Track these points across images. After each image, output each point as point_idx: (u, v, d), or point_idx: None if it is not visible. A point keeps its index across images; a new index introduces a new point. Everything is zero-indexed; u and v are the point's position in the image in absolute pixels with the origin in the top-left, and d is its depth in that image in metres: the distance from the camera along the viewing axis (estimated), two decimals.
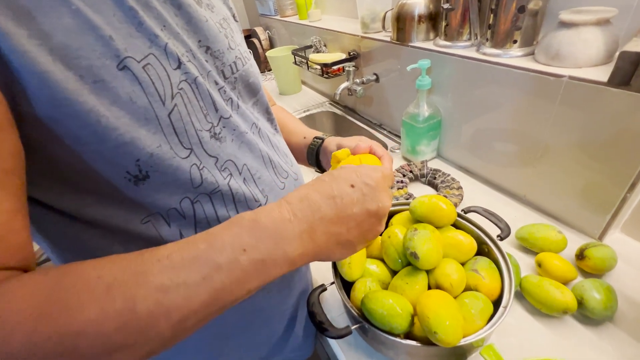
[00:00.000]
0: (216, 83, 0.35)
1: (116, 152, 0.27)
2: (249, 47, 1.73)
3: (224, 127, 0.35)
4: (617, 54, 0.44)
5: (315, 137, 0.56)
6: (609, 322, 0.48)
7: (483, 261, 0.47)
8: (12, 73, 0.22)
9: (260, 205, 0.39)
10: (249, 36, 1.74)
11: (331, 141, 0.53)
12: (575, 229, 0.62)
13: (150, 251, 0.25)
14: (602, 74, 0.49)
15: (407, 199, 0.74)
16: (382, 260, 0.52)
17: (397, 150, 0.94)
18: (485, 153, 0.75)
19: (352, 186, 0.30)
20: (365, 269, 0.50)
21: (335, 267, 0.49)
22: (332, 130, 1.30)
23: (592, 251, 0.52)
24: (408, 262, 0.47)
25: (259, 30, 1.70)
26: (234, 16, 0.44)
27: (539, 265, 0.54)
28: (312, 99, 1.39)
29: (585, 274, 0.54)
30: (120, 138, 0.26)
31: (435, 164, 0.86)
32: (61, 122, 0.24)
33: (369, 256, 0.53)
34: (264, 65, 1.74)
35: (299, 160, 0.56)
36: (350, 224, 0.29)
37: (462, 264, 0.48)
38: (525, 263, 0.57)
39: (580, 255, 0.53)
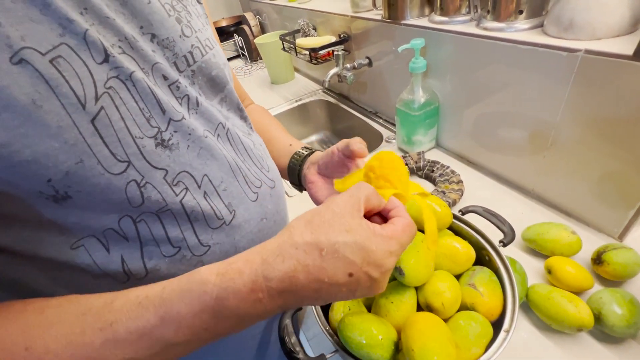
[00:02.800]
0: (165, 78, 0.29)
1: (13, 172, 0.21)
2: (238, 35, 1.65)
3: (175, 131, 0.29)
4: None
5: (304, 147, 0.47)
6: (632, 340, 0.41)
7: (482, 273, 0.40)
8: None
9: (224, 223, 0.33)
10: (239, 23, 1.66)
11: (323, 153, 0.43)
12: (592, 227, 0.54)
13: (90, 313, 0.22)
14: (627, 45, 0.41)
15: None
16: None
17: (393, 141, 0.87)
18: (489, 141, 0.67)
19: (350, 275, 0.23)
20: None
21: None
22: (325, 120, 1.23)
23: (612, 255, 0.45)
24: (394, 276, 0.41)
25: (249, 16, 1.61)
26: None
27: (549, 271, 0.47)
28: (304, 88, 1.31)
29: (604, 281, 0.47)
30: (16, 156, 0.20)
31: (433, 155, 0.78)
32: None
33: None
34: (255, 53, 1.66)
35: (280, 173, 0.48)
36: (330, 297, 0.25)
37: (459, 276, 0.42)
38: (534, 268, 0.50)
39: (598, 260, 0.46)
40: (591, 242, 0.50)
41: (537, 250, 0.52)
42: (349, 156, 0.37)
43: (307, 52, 1.00)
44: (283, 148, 0.48)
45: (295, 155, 0.46)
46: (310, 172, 0.42)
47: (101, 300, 0.23)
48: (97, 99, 0.23)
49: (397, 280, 0.40)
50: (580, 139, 0.50)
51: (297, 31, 1.16)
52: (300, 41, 1.02)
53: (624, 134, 0.45)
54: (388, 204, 0.28)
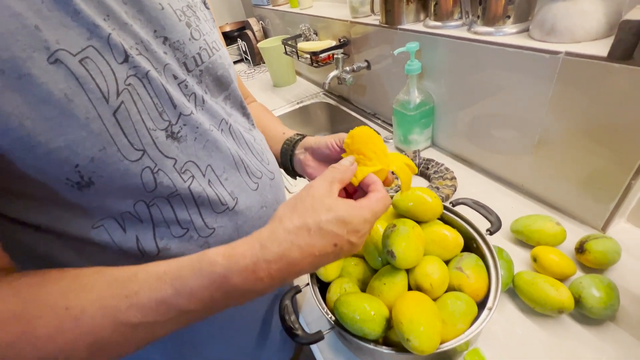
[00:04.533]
0: (175, 77, 0.32)
1: (48, 159, 0.24)
2: (242, 40, 1.69)
3: (184, 124, 0.32)
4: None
5: (297, 134, 0.51)
6: (610, 322, 0.44)
7: (469, 258, 0.43)
8: None
9: (227, 208, 0.36)
10: (243, 28, 1.70)
11: (315, 139, 0.48)
12: (577, 219, 0.57)
13: (117, 282, 0.25)
14: (603, 48, 0.44)
15: (397, 191, 0.70)
16: (363, 257, 0.49)
17: (390, 140, 0.90)
18: (481, 140, 0.70)
19: (335, 245, 0.28)
20: (343, 268, 0.47)
21: None
22: (326, 121, 1.26)
23: (593, 244, 0.48)
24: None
25: (252, 21, 1.66)
26: (204, 3, 0.41)
27: (535, 260, 0.50)
28: (306, 90, 1.35)
29: (586, 269, 0.50)
30: (51, 143, 0.24)
31: (429, 154, 0.82)
32: None
33: None
34: (258, 57, 1.70)
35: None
36: (321, 264, 0.29)
37: (448, 262, 0.45)
38: (521, 258, 0.53)
39: (580, 249, 0.49)
40: (575, 234, 0.53)
41: (524, 241, 0.55)
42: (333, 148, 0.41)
43: (308, 56, 1.04)
44: (276, 136, 0.52)
45: (287, 141, 0.50)
46: (307, 159, 0.45)
47: (126, 272, 0.26)
48: (118, 94, 0.27)
49: (389, 263, 0.43)
50: (564, 137, 0.53)
51: (299, 36, 1.20)
52: (302, 45, 1.05)
53: (604, 131, 0.48)
54: (366, 179, 0.33)
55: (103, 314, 0.24)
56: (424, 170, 0.75)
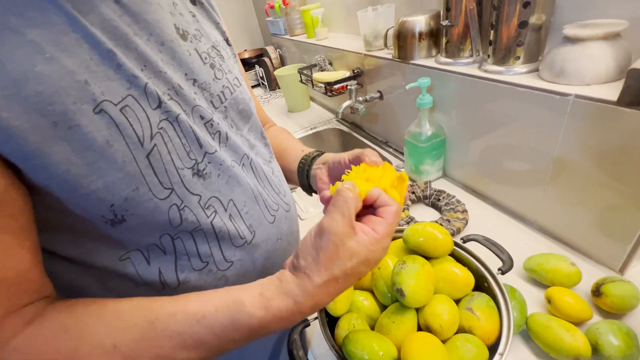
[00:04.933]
0: (202, 117, 0.35)
1: (88, 199, 0.26)
2: (260, 66, 1.77)
3: (209, 162, 0.34)
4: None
5: (316, 150, 0.51)
6: None
7: (480, 299, 0.43)
8: None
9: (245, 242, 0.38)
10: (261, 55, 1.78)
11: (334, 155, 0.47)
12: (593, 259, 0.56)
13: (159, 322, 0.27)
14: (613, 91, 0.45)
15: (409, 222, 0.70)
16: (372, 292, 0.49)
17: (402, 169, 0.91)
18: (493, 172, 0.70)
19: (359, 279, 0.30)
20: (353, 302, 0.47)
21: None
22: (338, 147, 1.29)
23: (610, 287, 0.47)
24: None
25: (270, 49, 1.74)
26: (226, 40, 0.44)
27: (549, 301, 0.49)
28: (319, 116, 1.39)
29: (603, 313, 0.48)
30: (92, 185, 0.26)
31: (441, 184, 0.82)
32: (28, 173, 0.24)
33: (359, 287, 0.51)
34: (274, 83, 1.77)
35: (292, 180, 0.52)
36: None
37: (458, 301, 0.44)
38: (535, 297, 0.52)
39: (597, 292, 0.48)
40: (591, 274, 0.52)
41: (537, 280, 0.54)
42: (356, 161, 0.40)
43: (323, 85, 1.08)
44: (296, 154, 0.52)
45: (304, 156, 0.49)
46: (322, 174, 0.45)
47: (164, 311, 0.28)
48: (152, 137, 0.29)
49: (398, 301, 0.43)
50: (578, 174, 0.53)
51: (314, 65, 1.25)
52: (317, 75, 1.10)
53: (618, 170, 0.48)
54: (371, 194, 0.31)
55: (148, 353, 0.26)
56: (435, 201, 0.75)
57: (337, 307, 0.45)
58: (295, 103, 1.46)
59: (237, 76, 0.42)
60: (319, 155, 0.49)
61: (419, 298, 0.40)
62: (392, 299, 0.45)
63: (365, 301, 0.47)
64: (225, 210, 0.36)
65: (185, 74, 0.34)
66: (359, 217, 0.31)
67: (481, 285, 0.47)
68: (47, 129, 0.23)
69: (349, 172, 0.36)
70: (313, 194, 0.52)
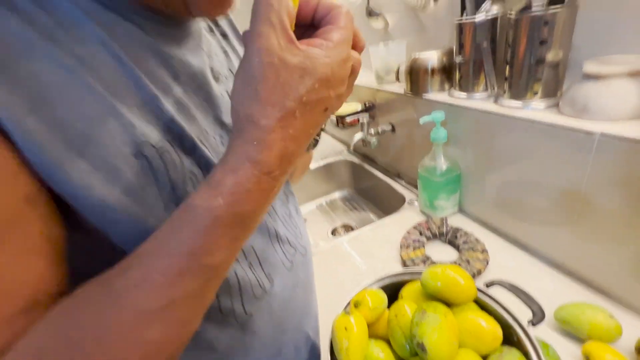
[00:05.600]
0: None
1: (120, 239, 0.25)
2: None
3: None
4: None
5: None
6: None
7: (511, 356, 0.38)
8: (28, 159, 0.21)
9: (264, 291, 0.35)
10: None
11: None
12: (632, 309, 0.51)
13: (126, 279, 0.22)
14: None
15: (425, 261, 0.67)
16: (389, 342, 0.45)
17: (416, 203, 0.88)
18: (513, 209, 0.67)
19: (326, 109, 0.23)
20: (367, 355, 0.43)
21: (332, 352, 0.43)
22: (350, 179, 1.27)
23: None
24: None
25: None
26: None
27: (587, 358, 0.43)
28: (331, 147, 1.39)
29: None
30: (124, 228, 0.24)
31: (456, 220, 0.78)
32: (72, 203, 0.22)
33: (374, 336, 0.46)
34: None
35: None
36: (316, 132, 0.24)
37: (485, 357, 0.40)
38: (568, 352, 0.47)
39: None
40: (634, 328, 0.47)
41: (571, 332, 0.48)
42: None
43: (335, 117, 1.09)
44: None
45: None
46: None
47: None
48: (184, 183, 0.28)
49: (418, 355, 0.39)
50: (609, 213, 0.49)
51: None
52: None
53: None
54: (314, 5, 0.24)
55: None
56: (453, 239, 0.71)
57: (350, 358, 0.41)
58: None
59: None
60: None
61: (442, 354, 0.36)
62: (411, 352, 0.41)
63: (381, 353, 0.43)
64: (246, 258, 0.34)
65: (215, 117, 0.33)
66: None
67: (509, 337, 0.42)
68: (87, 173, 0.22)
69: None
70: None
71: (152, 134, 0.25)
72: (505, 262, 0.64)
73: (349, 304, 0.47)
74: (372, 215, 1.13)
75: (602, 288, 0.55)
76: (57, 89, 0.21)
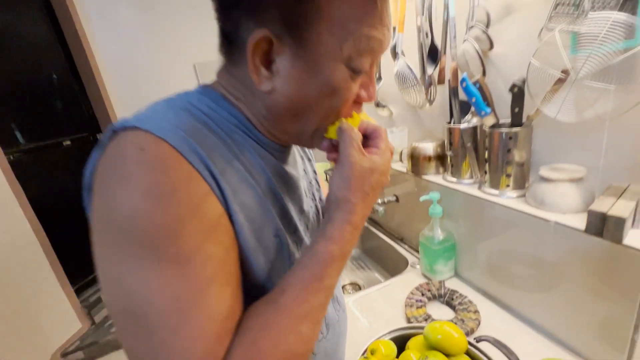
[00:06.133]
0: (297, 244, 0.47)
1: (259, 277, 0.39)
2: None
3: None
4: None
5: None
6: None
7: None
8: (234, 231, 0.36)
9: (324, 337, 0.48)
10: None
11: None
12: None
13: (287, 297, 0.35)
14: (583, 221, 0.58)
15: (426, 319, 0.78)
16: None
17: (417, 267, 1.01)
18: (500, 275, 0.80)
19: (382, 188, 0.40)
20: None
21: None
22: (358, 240, 1.41)
23: None
24: None
25: None
26: (314, 171, 0.59)
27: None
28: None
29: None
30: (264, 286, 0.39)
31: (453, 284, 0.91)
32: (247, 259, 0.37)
33: None
34: None
35: None
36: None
37: None
38: None
39: None
40: None
41: None
42: None
43: None
44: None
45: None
46: None
47: (283, 290, 0.36)
48: (290, 249, 0.43)
49: None
50: (574, 282, 0.63)
51: None
52: None
53: (600, 284, 0.58)
54: (361, 124, 0.41)
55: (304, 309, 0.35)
56: (449, 300, 0.83)
57: None
58: None
59: (319, 204, 0.56)
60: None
61: None
62: None
63: None
64: None
65: (300, 209, 0.47)
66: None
67: None
68: (257, 245, 0.37)
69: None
70: None
71: (279, 221, 0.41)
72: (494, 322, 0.75)
73: (365, 350, 0.59)
74: (377, 275, 1.25)
75: (575, 349, 0.66)
76: (241, 188, 0.37)
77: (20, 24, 1.89)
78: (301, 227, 0.46)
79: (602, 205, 0.54)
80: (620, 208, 0.52)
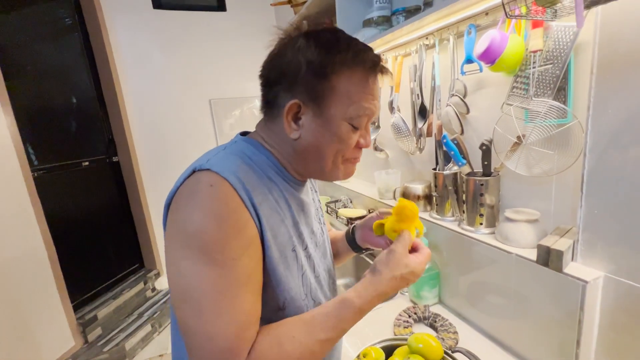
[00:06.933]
0: (314, 269, 0.61)
1: (277, 297, 0.52)
2: None
3: (317, 276, 0.61)
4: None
5: (348, 227, 0.80)
6: None
7: None
8: (263, 248, 0.50)
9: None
10: None
11: (361, 221, 0.75)
12: None
13: (314, 320, 0.49)
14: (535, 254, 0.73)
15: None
16: None
17: (406, 293, 1.13)
18: (475, 302, 0.92)
19: (407, 283, 0.52)
20: None
21: None
22: (352, 267, 1.52)
23: None
24: None
25: None
26: (319, 200, 0.74)
27: None
28: None
29: None
30: (282, 288, 0.52)
31: (437, 309, 1.02)
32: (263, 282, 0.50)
33: None
34: None
35: (343, 254, 0.79)
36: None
37: None
38: None
39: None
40: None
41: None
42: (380, 216, 0.66)
43: (345, 218, 1.41)
44: (340, 235, 0.79)
45: (347, 231, 0.77)
46: (365, 232, 0.72)
47: (313, 317, 0.50)
48: (302, 267, 0.56)
49: None
50: (532, 307, 0.76)
51: (338, 200, 1.62)
52: (341, 211, 1.44)
53: (554, 307, 0.71)
54: (414, 241, 0.56)
55: (319, 336, 0.48)
56: (433, 322, 0.95)
57: None
58: None
59: (324, 227, 0.72)
60: (354, 226, 0.77)
61: None
62: None
63: None
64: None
65: (310, 230, 0.62)
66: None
67: None
68: (280, 257, 0.51)
69: (385, 219, 0.61)
70: (363, 251, 0.78)
71: (295, 240, 0.55)
72: (470, 341, 0.87)
73: (359, 355, 0.70)
74: None
75: None
76: (271, 215, 0.51)
77: (58, 52, 2.12)
78: (311, 245, 0.60)
79: (548, 241, 0.69)
80: (562, 243, 0.67)
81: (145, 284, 2.46)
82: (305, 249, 0.58)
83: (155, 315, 2.23)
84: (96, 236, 2.27)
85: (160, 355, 1.98)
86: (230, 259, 0.45)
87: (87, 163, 2.19)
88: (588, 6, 0.53)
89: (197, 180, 0.48)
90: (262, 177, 0.53)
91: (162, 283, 2.58)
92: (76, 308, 2.03)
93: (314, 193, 0.71)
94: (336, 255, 0.78)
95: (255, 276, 0.48)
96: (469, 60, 0.85)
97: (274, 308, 0.52)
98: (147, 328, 2.14)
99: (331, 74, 0.50)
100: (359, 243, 0.75)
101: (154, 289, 2.53)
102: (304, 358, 0.46)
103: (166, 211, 0.51)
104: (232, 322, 0.44)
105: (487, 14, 0.83)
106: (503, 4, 0.59)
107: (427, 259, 0.54)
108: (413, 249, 0.56)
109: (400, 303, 1.08)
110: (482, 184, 0.86)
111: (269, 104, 0.55)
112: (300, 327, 0.48)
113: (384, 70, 0.54)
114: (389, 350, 0.74)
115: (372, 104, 0.53)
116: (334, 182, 1.85)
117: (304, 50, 0.50)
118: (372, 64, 0.52)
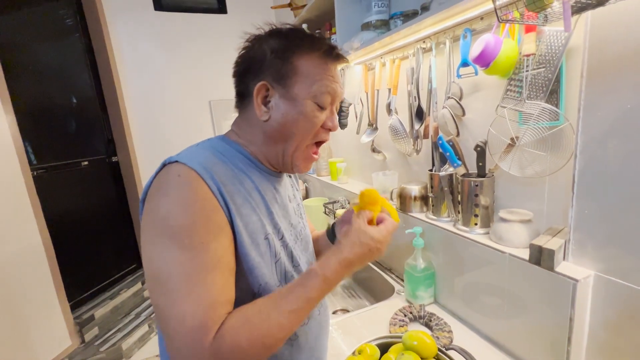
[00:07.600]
0: (292, 258, 0.63)
1: (252, 282, 0.54)
2: None
3: (296, 266, 0.62)
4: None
5: (329, 225, 0.81)
6: None
7: None
8: (234, 235, 0.52)
9: (304, 324, 0.62)
10: None
11: (340, 216, 0.77)
12: None
13: (279, 294, 0.50)
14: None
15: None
16: None
17: (402, 294, 1.14)
18: (469, 302, 0.94)
19: (370, 250, 0.54)
20: None
21: None
22: None
23: None
24: None
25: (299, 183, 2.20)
26: (301, 200, 0.78)
27: None
28: None
29: None
30: (256, 273, 0.54)
31: (432, 308, 1.04)
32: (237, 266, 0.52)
33: None
34: None
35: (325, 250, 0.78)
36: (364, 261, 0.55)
37: None
38: None
39: None
40: None
41: None
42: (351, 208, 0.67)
43: None
44: (322, 234, 0.83)
45: (328, 227, 0.80)
46: (343, 226, 0.72)
47: (281, 293, 0.51)
48: (278, 252, 0.58)
49: None
50: (525, 306, 0.77)
51: (336, 201, 1.63)
52: (339, 212, 1.45)
53: (545, 305, 0.72)
54: (379, 216, 0.59)
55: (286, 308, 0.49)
56: (428, 321, 0.96)
57: None
58: (317, 228, 1.79)
59: (304, 220, 0.74)
60: (334, 223, 0.79)
61: None
62: None
63: None
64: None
65: (289, 222, 0.64)
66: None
67: None
68: (252, 244, 0.53)
69: (357, 203, 0.64)
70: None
71: (268, 228, 0.57)
72: (464, 339, 0.88)
73: (354, 351, 0.72)
74: (366, 302, 1.36)
75: None
76: (243, 204, 0.54)
77: (59, 53, 2.13)
78: (289, 236, 0.62)
79: (541, 240, 0.70)
80: (553, 243, 0.69)
81: (142, 284, 2.46)
82: (282, 238, 0.60)
83: (152, 316, 2.23)
84: (94, 236, 2.27)
85: (156, 356, 1.98)
86: (199, 243, 0.47)
87: (86, 163, 2.20)
88: (577, 11, 0.55)
89: (166, 172, 0.51)
90: (232, 169, 0.55)
91: None
92: (73, 307, 2.03)
93: (295, 190, 0.74)
94: (319, 253, 0.80)
95: (225, 260, 0.49)
96: (464, 64, 0.87)
97: (249, 293, 0.54)
98: (144, 328, 2.13)
99: (292, 56, 0.55)
100: (338, 237, 0.77)
101: None
102: (272, 330, 0.47)
103: (142, 206, 0.53)
104: (201, 301, 0.45)
105: (482, 18, 0.85)
106: (495, 9, 0.61)
107: (389, 228, 0.57)
108: (379, 223, 0.59)
109: (396, 303, 1.09)
110: (476, 185, 0.88)
111: (241, 95, 0.60)
112: (267, 302, 0.49)
113: (339, 57, 0.58)
114: (384, 348, 0.75)
115: (333, 84, 0.57)
116: (328, 182, 1.88)
117: (268, 41, 0.56)
118: (329, 48, 0.57)
